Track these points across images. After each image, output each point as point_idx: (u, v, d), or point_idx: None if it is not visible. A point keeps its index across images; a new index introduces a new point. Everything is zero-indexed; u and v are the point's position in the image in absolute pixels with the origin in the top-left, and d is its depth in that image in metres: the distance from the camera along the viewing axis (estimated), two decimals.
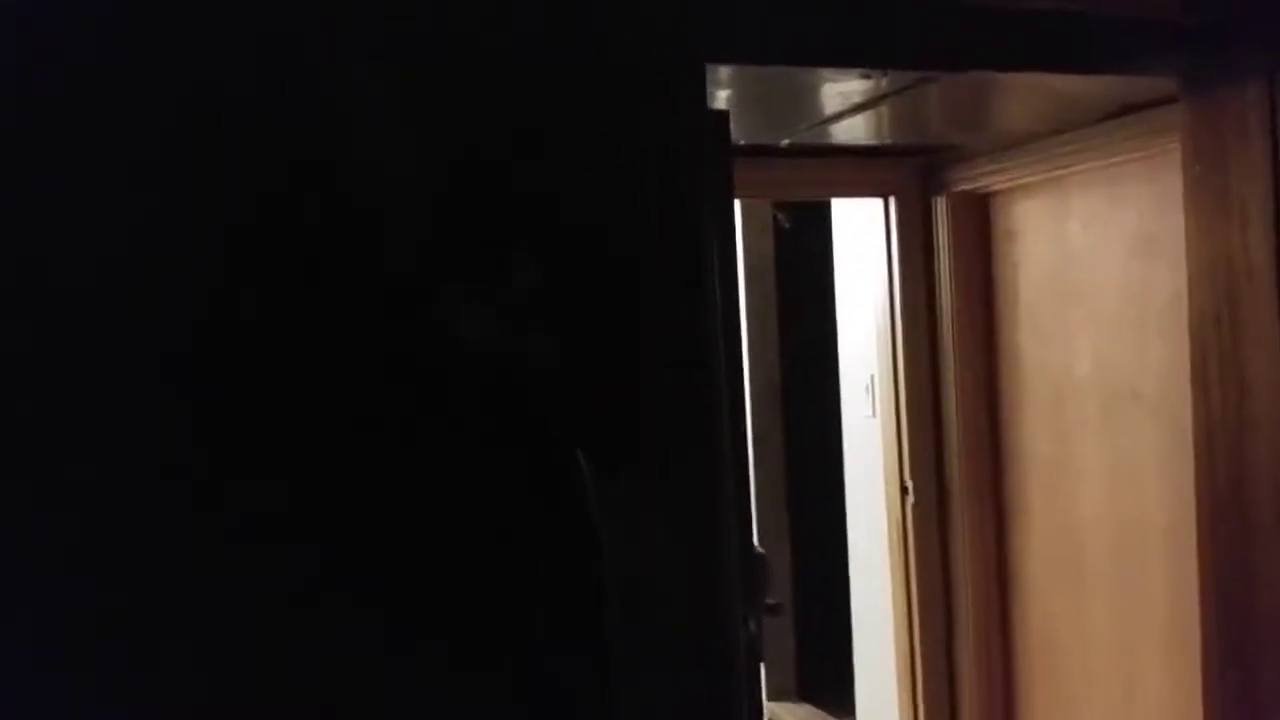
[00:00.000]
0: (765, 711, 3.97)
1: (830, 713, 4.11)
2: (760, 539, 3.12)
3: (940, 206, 2.96)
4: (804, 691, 4.35)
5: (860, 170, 2.95)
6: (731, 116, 2.03)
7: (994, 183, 2.83)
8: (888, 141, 2.84)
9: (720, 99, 2.14)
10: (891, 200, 3.00)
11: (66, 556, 1.18)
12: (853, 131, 2.61)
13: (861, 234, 3.16)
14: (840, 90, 2.18)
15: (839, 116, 2.41)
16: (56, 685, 1.19)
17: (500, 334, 1.24)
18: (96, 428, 1.20)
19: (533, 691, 1.19)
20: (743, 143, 2.60)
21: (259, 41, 1.24)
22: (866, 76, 2.06)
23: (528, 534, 1.19)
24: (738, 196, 2.22)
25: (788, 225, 4.25)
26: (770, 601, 2.03)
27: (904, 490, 3.04)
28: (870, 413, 3.19)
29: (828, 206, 3.39)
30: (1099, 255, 2.61)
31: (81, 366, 1.20)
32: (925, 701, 3.03)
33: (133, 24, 1.22)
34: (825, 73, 2.05)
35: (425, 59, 1.34)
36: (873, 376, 3.15)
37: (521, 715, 1.19)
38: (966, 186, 2.89)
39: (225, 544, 1.18)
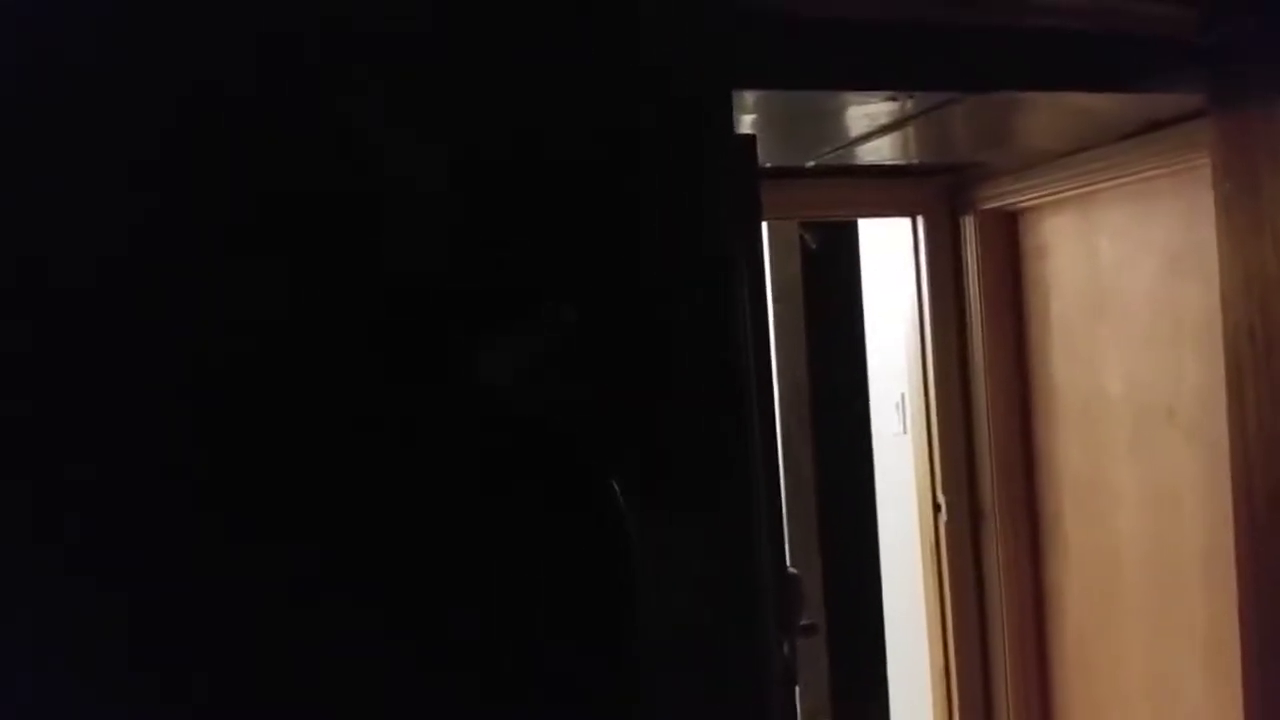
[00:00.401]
0: None
1: None
2: (791, 558, 3.11)
3: (968, 224, 2.96)
4: (837, 712, 4.32)
5: (887, 190, 2.95)
6: (758, 140, 2.04)
7: (1021, 200, 2.82)
8: (914, 161, 2.84)
9: (745, 123, 2.16)
10: (919, 219, 3.00)
11: (72, 556, 1.19)
12: (879, 152, 2.62)
13: (890, 253, 3.16)
14: (866, 112, 2.18)
15: (865, 138, 2.41)
16: (56, 685, 1.19)
17: (535, 373, 1.26)
18: (114, 432, 1.21)
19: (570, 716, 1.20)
20: (769, 165, 2.61)
21: (286, 66, 1.26)
22: (893, 99, 2.07)
23: (566, 565, 1.20)
24: (764, 218, 2.23)
25: (814, 246, 4.25)
26: (805, 622, 2.03)
27: (936, 508, 3.02)
28: (901, 430, 3.18)
29: (855, 226, 3.40)
30: (1129, 271, 2.60)
31: (95, 369, 1.22)
32: (961, 718, 3.01)
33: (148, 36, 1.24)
34: (851, 96, 2.06)
35: (451, 87, 1.36)
36: (903, 394, 3.14)
37: None
38: (994, 204, 2.88)
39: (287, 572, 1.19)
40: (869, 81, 1.96)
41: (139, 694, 1.19)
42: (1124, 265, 2.62)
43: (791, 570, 2.04)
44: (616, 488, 1.22)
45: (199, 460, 1.20)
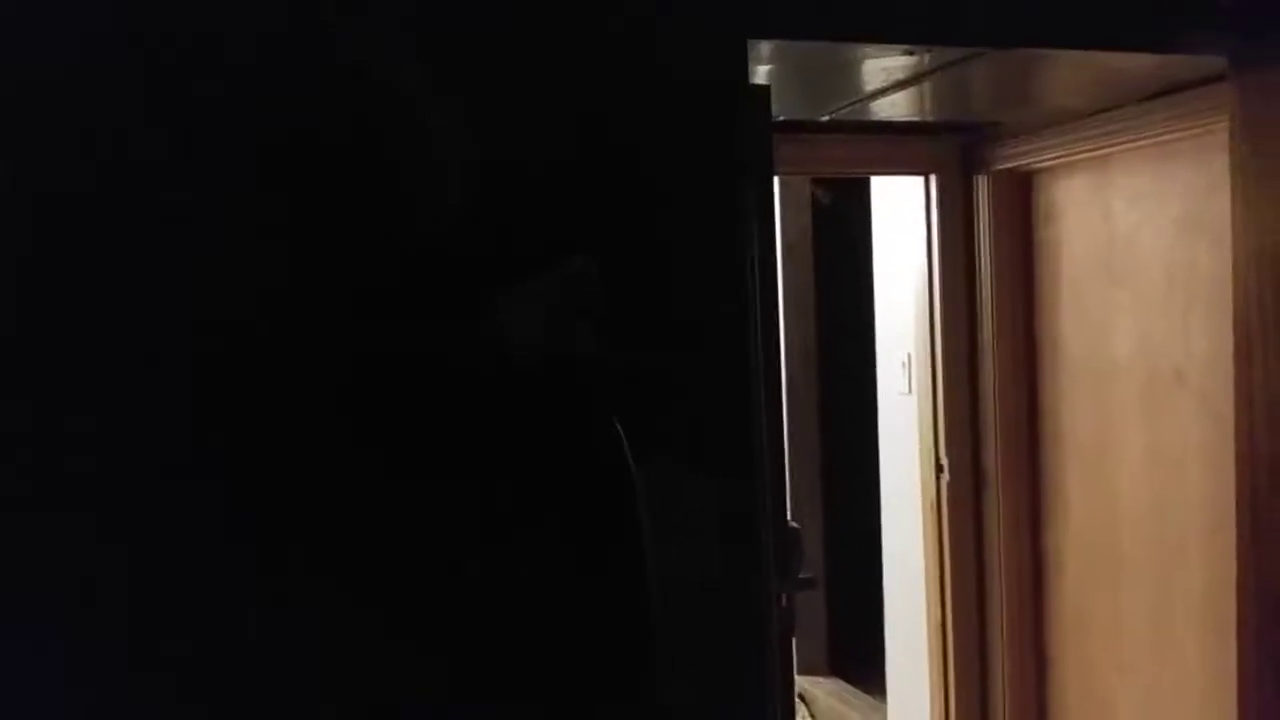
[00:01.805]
0: (795, 685, 3.99)
1: (860, 687, 4.13)
2: (793, 513, 3.12)
3: (982, 184, 2.93)
4: (834, 665, 4.37)
5: (901, 147, 2.93)
6: (771, 92, 2.02)
7: (1037, 161, 2.80)
8: (929, 118, 2.82)
9: (760, 74, 2.13)
10: (932, 178, 2.98)
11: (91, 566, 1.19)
12: (894, 108, 2.59)
13: (901, 211, 3.14)
14: (883, 66, 2.16)
15: (881, 93, 2.39)
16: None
17: (548, 321, 1.26)
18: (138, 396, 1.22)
19: (577, 657, 1.21)
20: (782, 118, 2.59)
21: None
22: (910, 53, 2.04)
23: (575, 505, 1.20)
24: (777, 173, 2.21)
25: (826, 202, 4.23)
26: (803, 575, 2.04)
27: (939, 468, 3.03)
28: (906, 389, 3.18)
29: (867, 183, 3.38)
30: (1143, 235, 2.58)
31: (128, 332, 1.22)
32: (956, 678, 3.04)
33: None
34: (868, 48, 2.04)
35: (473, 43, 1.35)
36: (910, 354, 3.14)
37: (568, 680, 1.21)
38: (1009, 164, 2.86)
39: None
40: (887, 33, 1.93)
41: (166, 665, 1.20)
42: (1138, 229, 2.60)
43: (792, 524, 2.04)
44: (621, 433, 1.22)
45: (228, 413, 1.21)
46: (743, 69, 1.69)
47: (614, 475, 1.20)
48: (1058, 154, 2.71)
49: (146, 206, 1.21)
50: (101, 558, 1.20)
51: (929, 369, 3.04)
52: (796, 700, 4.00)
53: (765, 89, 1.90)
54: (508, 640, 1.21)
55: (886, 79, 2.27)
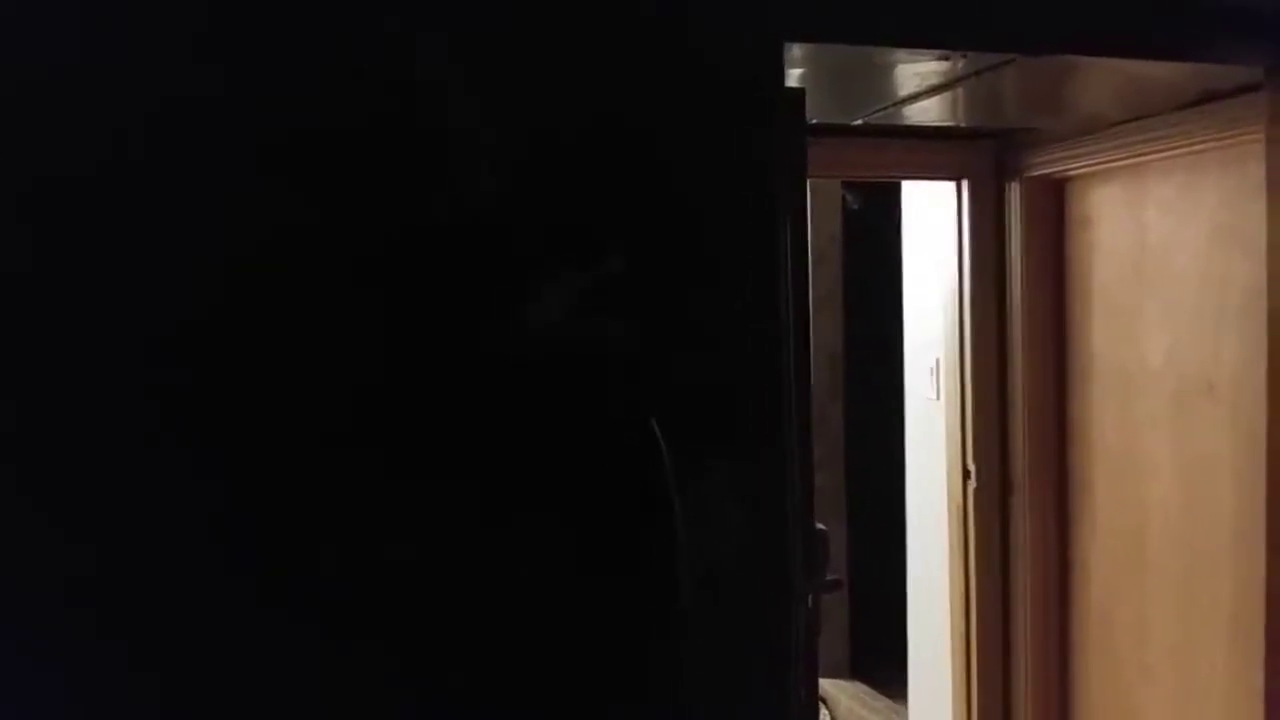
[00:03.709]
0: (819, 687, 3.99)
1: (880, 691, 4.12)
2: (818, 514, 3.12)
3: (1014, 191, 2.93)
4: (855, 668, 4.37)
5: (933, 152, 2.93)
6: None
7: (1070, 168, 2.79)
8: (962, 124, 2.81)
9: (793, 78, 2.14)
10: (964, 183, 2.97)
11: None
12: (927, 113, 2.59)
13: (932, 216, 3.14)
14: (917, 71, 2.16)
15: (914, 98, 2.39)
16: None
17: (582, 318, 1.27)
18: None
19: (609, 649, 1.22)
20: (814, 121, 2.59)
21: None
22: (945, 58, 2.04)
23: (607, 508, 1.21)
24: (809, 176, 2.21)
25: (856, 206, 4.23)
26: (830, 578, 2.04)
27: (966, 474, 3.03)
28: (934, 395, 3.18)
29: (897, 188, 3.37)
30: (1176, 244, 2.57)
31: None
32: (979, 684, 3.03)
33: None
34: (902, 53, 2.04)
35: (512, 36, 1.36)
36: (938, 359, 3.13)
37: (600, 674, 1.22)
38: (1041, 171, 2.85)
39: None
40: (922, 38, 1.94)
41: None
42: (1170, 238, 2.59)
43: (819, 525, 2.05)
44: (659, 433, 1.23)
45: (259, 407, 1.22)
46: (779, 72, 1.70)
47: (651, 477, 1.21)
48: (1091, 161, 2.71)
49: (155, 195, 1.22)
50: (123, 555, 1.21)
51: (958, 375, 3.03)
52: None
53: (800, 92, 1.91)
54: (536, 633, 1.23)
55: (920, 84, 2.27)
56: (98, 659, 1.21)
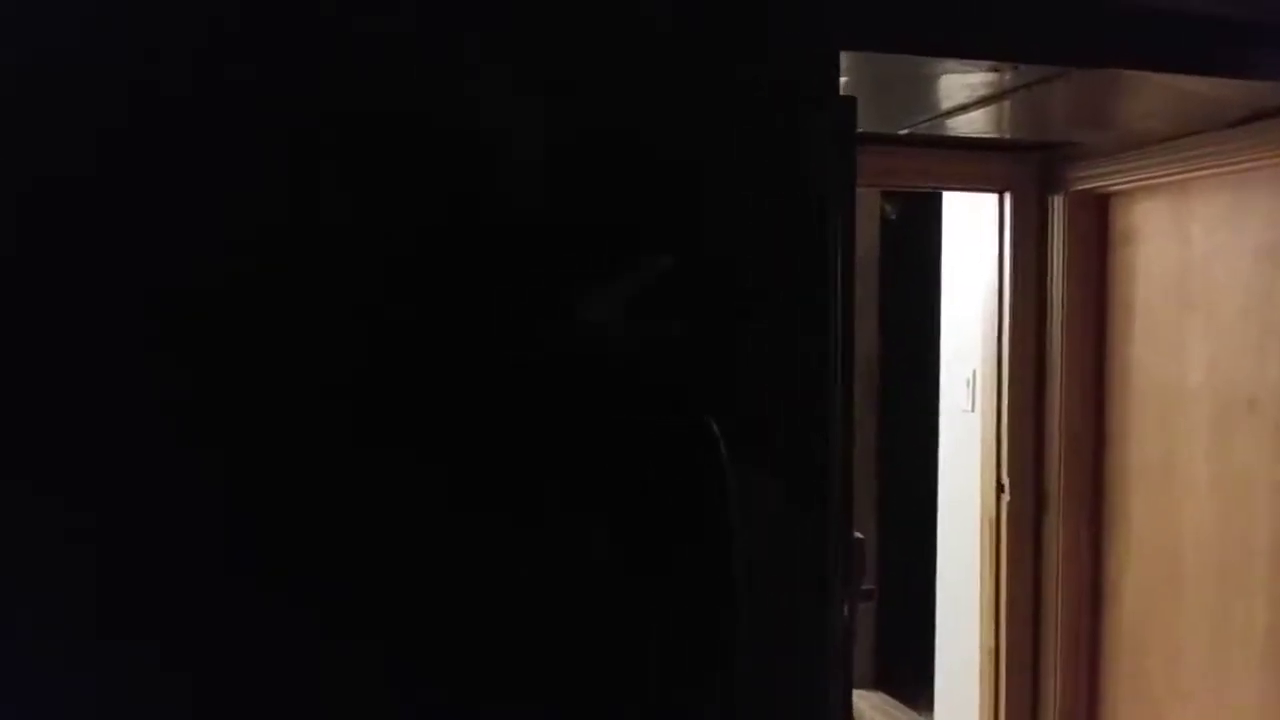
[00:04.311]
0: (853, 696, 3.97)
1: (905, 703, 4.11)
2: None
3: (1057, 204, 2.92)
4: (880, 680, 4.35)
5: (978, 164, 2.92)
6: None
7: (1114, 183, 2.78)
8: (1007, 136, 2.81)
9: (841, 86, 2.14)
10: (1007, 196, 2.96)
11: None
12: (973, 124, 2.58)
13: (973, 228, 3.13)
14: (966, 82, 2.16)
15: (961, 109, 2.39)
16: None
17: (633, 319, 1.28)
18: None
19: (661, 652, 1.23)
20: (860, 130, 2.59)
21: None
22: (994, 69, 2.04)
23: (668, 503, 1.22)
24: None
25: (894, 216, 4.22)
26: (865, 587, 2.04)
27: (1000, 488, 3.02)
28: (969, 407, 3.17)
29: (936, 199, 3.37)
30: (1221, 262, 2.55)
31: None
32: (1008, 700, 3.02)
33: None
34: (951, 64, 2.04)
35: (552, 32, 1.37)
36: (974, 371, 3.12)
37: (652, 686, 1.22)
38: (1086, 185, 2.84)
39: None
40: (973, 49, 1.94)
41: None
42: (1215, 255, 2.57)
43: (857, 534, 2.05)
44: (717, 432, 1.24)
45: (292, 403, 1.23)
46: (834, 80, 1.70)
47: (709, 476, 1.22)
48: (1136, 177, 2.69)
49: (178, 189, 1.22)
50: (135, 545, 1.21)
51: (994, 387, 3.02)
52: None
53: (852, 100, 1.91)
54: (594, 632, 1.23)
55: (969, 95, 2.27)
56: (97, 659, 1.22)
